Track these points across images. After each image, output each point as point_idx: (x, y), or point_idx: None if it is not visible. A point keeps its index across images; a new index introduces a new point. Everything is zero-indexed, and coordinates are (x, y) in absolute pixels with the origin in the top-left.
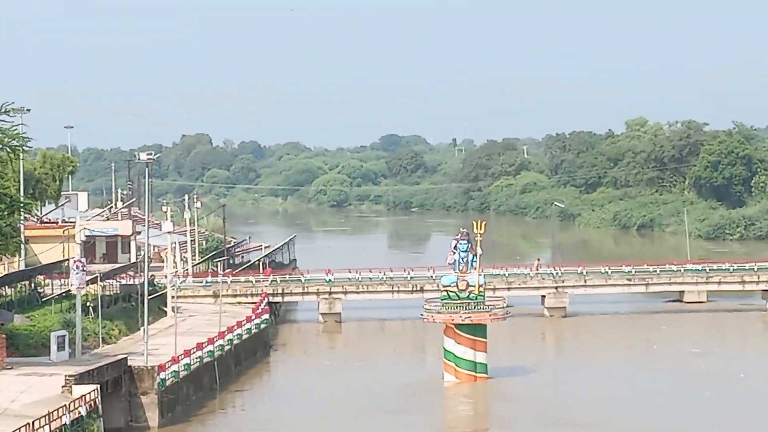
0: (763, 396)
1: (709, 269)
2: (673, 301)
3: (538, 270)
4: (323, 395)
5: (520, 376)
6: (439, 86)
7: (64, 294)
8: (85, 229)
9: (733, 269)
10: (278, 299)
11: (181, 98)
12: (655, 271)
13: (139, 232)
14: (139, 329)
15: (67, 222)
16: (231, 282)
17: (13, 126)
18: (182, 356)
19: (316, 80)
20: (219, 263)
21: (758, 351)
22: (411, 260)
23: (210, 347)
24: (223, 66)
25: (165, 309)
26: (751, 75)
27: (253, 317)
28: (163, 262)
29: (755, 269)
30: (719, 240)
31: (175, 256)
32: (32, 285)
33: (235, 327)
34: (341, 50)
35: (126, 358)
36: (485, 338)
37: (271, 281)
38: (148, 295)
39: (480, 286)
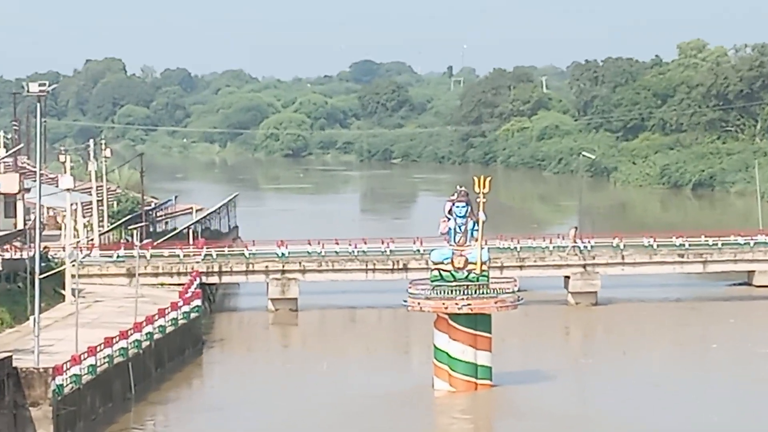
0: None
1: None
2: (740, 284)
3: (575, 242)
4: (273, 409)
5: (534, 385)
6: None
7: None
8: None
9: None
10: (214, 280)
11: (85, 11)
12: (716, 244)
13: (28, 190)
14: (27, 319)
15: None
16: (151, 257)
17: None
18: (86, 355)
19: None
20: (135, 231)
21: None
22: (391, 229)
23: (123, 343)
24: None
25: (63, 292)
26: None
27: (181, 304)
28: (60, 229)
29: None
30: None
31: (76, 222)
32: None
33: (157, 317)
34: None
35: (10, 357)
36: (489, 333)
37: (205, 256)
38: (40, 274)
39: (483, 263)
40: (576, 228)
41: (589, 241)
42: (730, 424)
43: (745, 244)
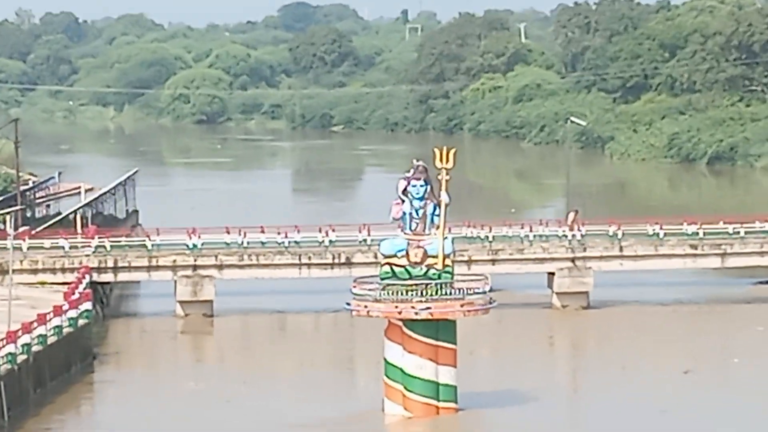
0: None
1: None
2: (766, 282)
3: (574, 228)
4: None
5: (509, 409)
6: None
7: None
8: None
9: None
10: (108, 278)
11: None
12: (738, 233)
13: None
14: None
15: None
16: (28, 249)
17: None
18: None
19: None
20: (9, 217)
21: None
22: (331, 214)
23: None
24: None
25: None
26: None
27: (66, 308)
28: None
29: None
30: None
31: None
32: None
33: (36, 324)
34: None
35: None
36: (454, 344)
37: (97, 248)
38: None
39: (446, 256)
40: (576, 211)
41: (579, 229)
42: None
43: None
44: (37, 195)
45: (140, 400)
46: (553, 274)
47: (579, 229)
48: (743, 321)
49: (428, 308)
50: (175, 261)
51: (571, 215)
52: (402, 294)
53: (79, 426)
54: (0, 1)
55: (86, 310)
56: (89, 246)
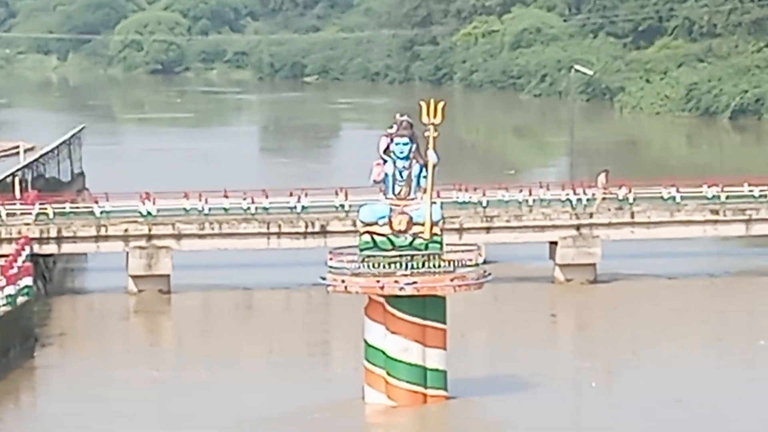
0: None
1: None
2: None
3: (606, 191)
4: None
5: (506, 397)
6: None
7: None
8: None
9: None
10: (51, 249)
11: None
12: (765, 196)
13: None
14: None
15: None
16: None
17: None
18: None
19: None
20: None
21: None
22: (304, 177)
23: None
24: None
25: None
26: None
27: (3, 284)
28: None
29: None
30: None
31: None
32: None
33: None
34: None
35: None
36: (443, 323)
37: (38, 215)
38: None
39: (434, 224)
40: (606, 171)
41: (586, 192)
42: None
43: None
44: None
45: (88, 389)
46: (555, 243)
47: (608, 191)
48: None
49: (414, 283)
50: (126, 230)
51: (602, 176)
52: (384, 267)
53: (19, 418)
54: None
55: (26, 287)
56: (29, 213)
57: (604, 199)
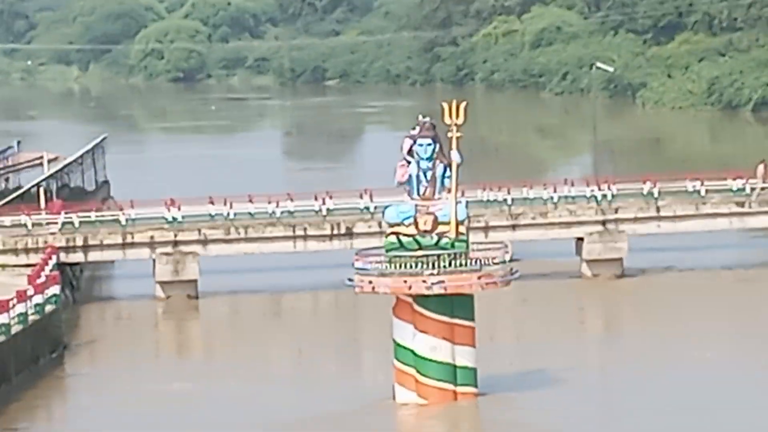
0: None
1: None
2: None
3: (766, 180)
4: None
5: (536, 392)
6: None
7: None
8: None
9: None
10: (78, 258)
11: None
12: None
13: None
14: None
15: None
16: None
17: None
18: None
19: None
20: None
21: None
22: (328, 180)
23: None
24: None
25: None
26: None
27: (31, 293)
28: None
29: None
30: None
31: None
32: None
33: None
34: None
35: None
36: (472, 321)
37: (64, 224)
38: None
39: (460, 223)
40: (764, 161)
41: (610, 188)
42: None
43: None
44: None
45: (118, 398)
46: (582, 239)
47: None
48: None
49: (441, 282)
50: (152, 237)
51: (761, 167)
52: (411, 267)
53: (48, 427)
54: None
55: (54, 295)
56: (55, 223)
57: (763, 189)
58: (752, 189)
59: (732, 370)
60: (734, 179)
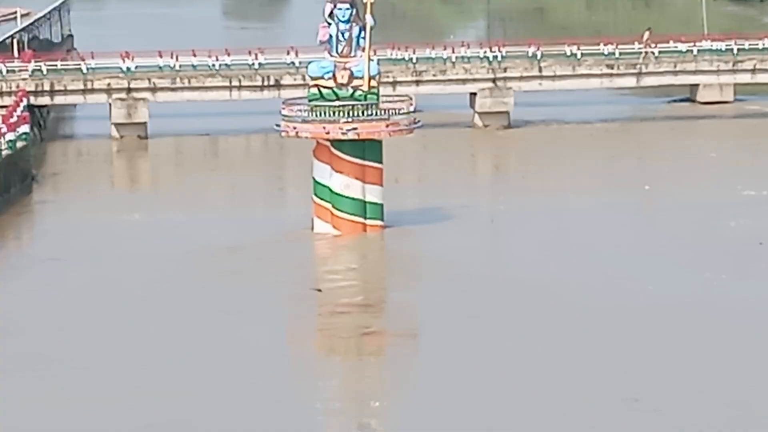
0: None
1: (738, 50)
2: (682, 100)
3: (649, 46)
4: (121, 257)
5: (434, 225)
6: None
7: None
8: None
9: None
10: (45, 101)
11: None
12: (653, 53)
13: None
14: None
15: None
16: None
17: None
18: None
19: None
20: None
21: None
22: (260, 38)
23: None
24: None
25: None
26: None
27: (4, 130)
28: None
29: None
30: (754, 3)
31: None
32: None
33: None
34: None
35: None
36: (380, 163)
37: (33, 71)
38: None
39: (372, 78)
40: (650, 29)
41: (499, 50)
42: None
43: (687, 51)
44: None
45: (78, 219)
46: (474, 94)
47: (648, 48)
48: (657, 139)
49: (355, 129)
50: (109, 84)
51: (646, 33)
52: (329, 115)
53: (19, 246)
54: None
55: (24, 133)
56: (26, 70)
57: (646, 53)
58: (643, 52)
59: (597, 204)
60: (606, 45)
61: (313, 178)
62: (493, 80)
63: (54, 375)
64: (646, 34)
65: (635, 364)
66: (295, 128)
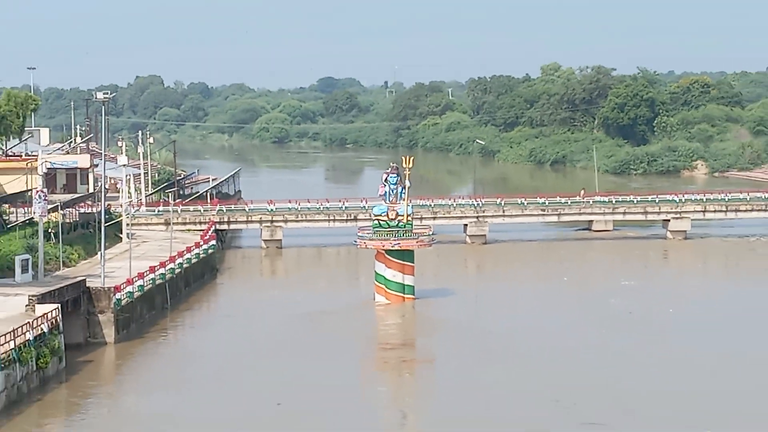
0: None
1: (616, 201)
2: (583, 229)
3: (584, 198)
4: (266, 315)
5: (443, 298)
6: (371, 32)
7: (27, 221)
8: (46, 161)
9: (637, 201)
10: (224, 227)
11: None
12: (567, 202)
13: (97, 165)
14: (96, 254)
15: (30, 155)
16: (181, 211)
17: None
18: (136, 278)
19: (258, 30)
20: (170, 194)
21: (656, 271)
22: (346, 192)
23: (161, 270)
24: (175, 15)
25: (120, 235)
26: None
27: (201, 243)
28: (118, 192)
29: (656, 201)
30: (624, 174)
31: (129, 187)
32: None
33: (185, 252)
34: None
35: (84, 279)
36: (413, 263)
37: (218, 210)
38: (105, 223)
39: (408, 215)
40: (584, 189)
41: (480, 200)
42: (578, 321)
43: (586, 202)
44: (185, 182)
45: (242, 294)
46: (466, 225)
47: (584, 199)
48: (570, 252)
49: (398, 243)
50: (261, 218)
51: (582, 192)
52: (385, 236)
53: (209, 308)
54: (166, 74)
55: (212, 245)
56: (214, 209)
57: (584, 201)
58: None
59: (537, 288)
60: (540, 198)
61: (375, 271)
62: (477, 217)
63: (219, 382)
64: (582, 192)
65: (558, 378)
66: (365, 243)
